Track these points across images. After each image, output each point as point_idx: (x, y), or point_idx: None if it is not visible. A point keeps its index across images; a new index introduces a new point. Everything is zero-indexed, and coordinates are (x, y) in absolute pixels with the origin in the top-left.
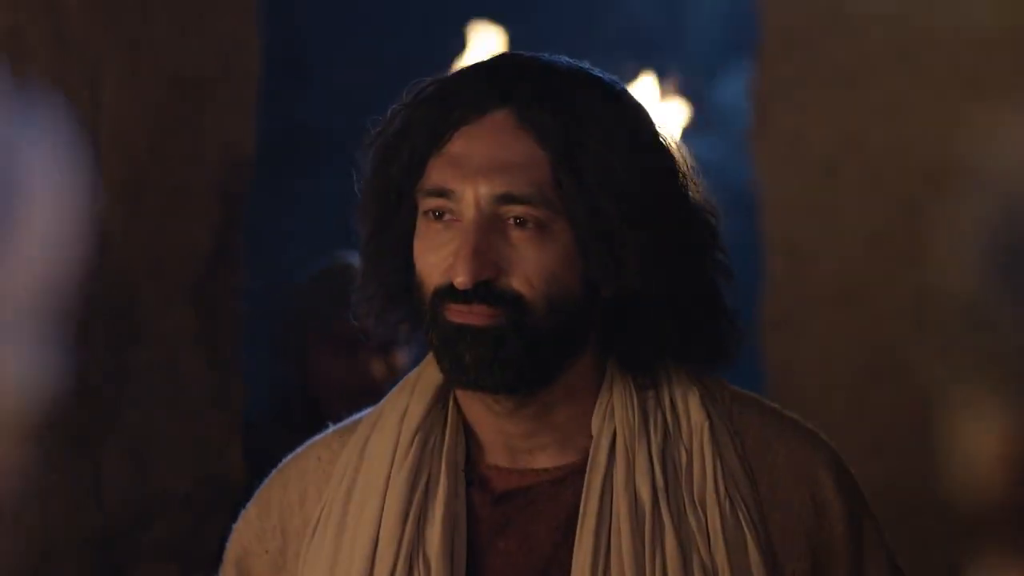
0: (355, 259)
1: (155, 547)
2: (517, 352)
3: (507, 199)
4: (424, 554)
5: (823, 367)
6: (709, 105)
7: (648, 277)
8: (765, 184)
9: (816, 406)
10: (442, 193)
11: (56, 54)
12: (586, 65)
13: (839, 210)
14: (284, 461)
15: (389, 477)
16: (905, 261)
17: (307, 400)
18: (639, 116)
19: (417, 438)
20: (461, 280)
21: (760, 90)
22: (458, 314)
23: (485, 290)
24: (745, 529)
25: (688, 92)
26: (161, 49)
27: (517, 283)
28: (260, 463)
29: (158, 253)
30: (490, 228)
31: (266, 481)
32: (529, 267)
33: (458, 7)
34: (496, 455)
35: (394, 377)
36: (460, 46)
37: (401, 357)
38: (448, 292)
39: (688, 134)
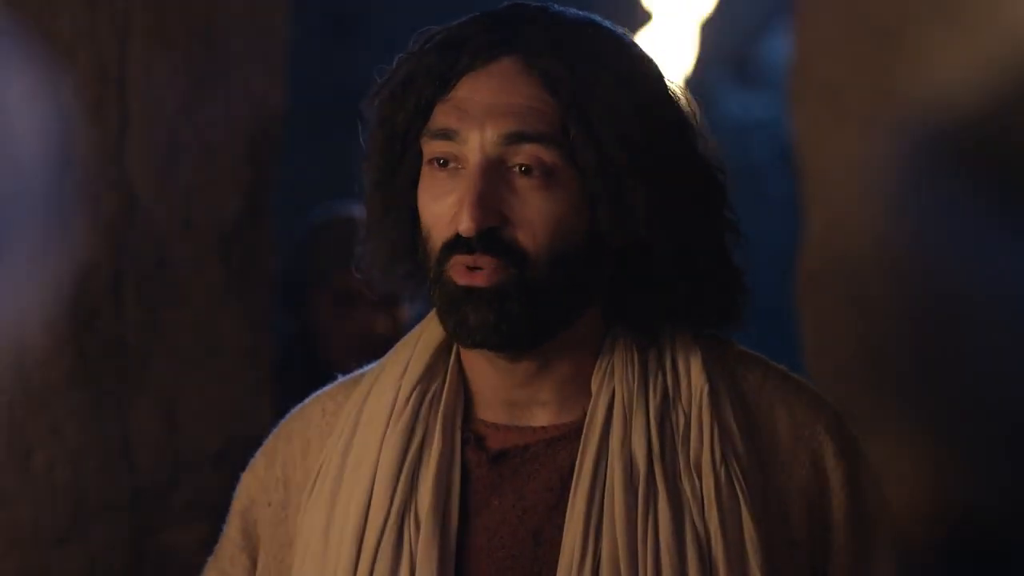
0: (356, 210)
1: (185, 506)
2: (521, 309)
3: (515, 138)
4: (415, 513)
5: (859, 326)
6: (756, 63)
7: (656, 229)
8: (804, 140)
9: (852, 366)
10: (447, 135)
11: (84, 9)
12: (595, 17)
13: (872, 166)
14: (291, 412)
15: (385, 434)
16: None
17: (310, 356)
18: (649, 67)
19: (415, 394)
20: (465, 227)
21: (799, 46)
22: (463, 273)
23: (489, 239)
24: (739, 496)
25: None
26: (189, 4)
27: (521, 234)
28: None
29: (189, 211)
30: (495, 175)
31: (273, 432)
32: (534, 217)
33: None
34: (495, 411)
35: (399, 331)
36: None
37: (406, 311)
38: (453, 244)
39: (735, 92)
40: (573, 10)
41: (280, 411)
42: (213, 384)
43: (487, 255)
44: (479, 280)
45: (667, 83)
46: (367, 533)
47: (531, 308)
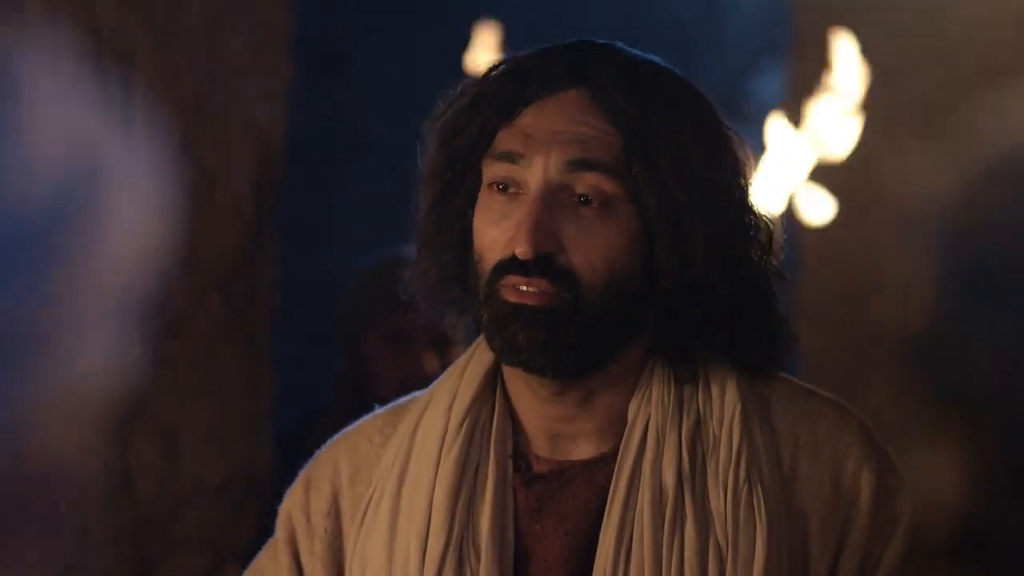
0: (407, 252)
1: (186, 538)
2: (570, 336)
3: (580, 164)
4: (475, 542)
5: (856, 359)
6: (746, 101)
7: (711, 268)
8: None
9: (850, 399)
10: (511, 158)
11: (89, 43)
12: (656, 57)
13: (873, 201)
14: (332, 440)
15: (439, 462)
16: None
17: (361, 393)
18: (708, 108)
19: (465, 423)
20: (522, 250)
21: (793, 83)
22: (514, 292)
23: (545, 264)
24: (755, 514)
25: (725, 90)
26: (193, 38)
27: (577, 262)
28: (307, 453)
29: (191, 244)
30: (555, 202)
31: (314, 459)
32: (590, 246)
33: (497, 2)
34: (538, 444)
35: None
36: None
37: (456, 352)
38: (507, 265)
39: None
40: (636, 50)
41: (308, 443)
42: (214, 417)
43: (542, 278)
44: (530, 299)
45: (724, 127)
46: (427, 560)
47: (580, 336)
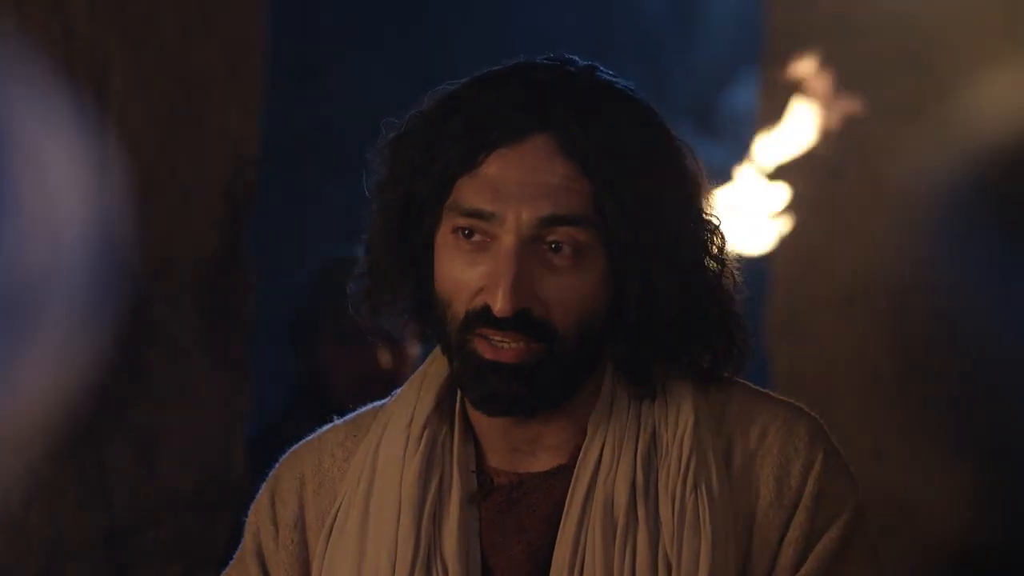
0: (361, 250)
1: (161, 546)
2: (548, 381)
3: (552, 221)
4: (441, 556)
5: (829, 372)
6: (718, 113)
7: (679, 300)
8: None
9: (822, 412)
10: (480, 215)
11: (63, 53)
12: (607, 72)
13: (845, 214)
14: (294, 450)
15: (402, 479)
16: (910, 264)
17: (319, 394)
18: (664, 128)
19: (425, 438)
20: (501, 308)
21: (766, 94)
22: (489, 347)
23: (522, 319)
24: (700, 524)
25: (696, 100)
26: (167, 49)
27: (552, 313)
28: (272, 459)
29: (166, 252)
30: (528, 254)
31: (277, 469)
32: (565, 296)
33: (468, 11)
34: (497, 456)
35: (406, 367)
36: (470, 51)
37: (413, 347)
38: (481, 318)
39: (697, 142)
40: (587, 70)
41: (273, 449)
42: (189, 424)
43: (516, 333)
44: (507, 356)
45: (678, 143)
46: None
47: (558, 379)
